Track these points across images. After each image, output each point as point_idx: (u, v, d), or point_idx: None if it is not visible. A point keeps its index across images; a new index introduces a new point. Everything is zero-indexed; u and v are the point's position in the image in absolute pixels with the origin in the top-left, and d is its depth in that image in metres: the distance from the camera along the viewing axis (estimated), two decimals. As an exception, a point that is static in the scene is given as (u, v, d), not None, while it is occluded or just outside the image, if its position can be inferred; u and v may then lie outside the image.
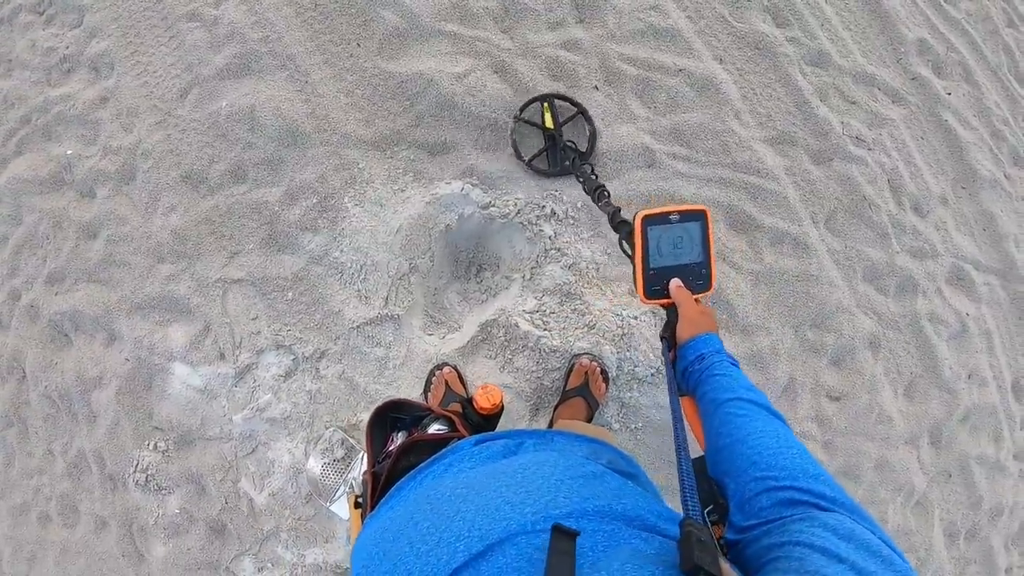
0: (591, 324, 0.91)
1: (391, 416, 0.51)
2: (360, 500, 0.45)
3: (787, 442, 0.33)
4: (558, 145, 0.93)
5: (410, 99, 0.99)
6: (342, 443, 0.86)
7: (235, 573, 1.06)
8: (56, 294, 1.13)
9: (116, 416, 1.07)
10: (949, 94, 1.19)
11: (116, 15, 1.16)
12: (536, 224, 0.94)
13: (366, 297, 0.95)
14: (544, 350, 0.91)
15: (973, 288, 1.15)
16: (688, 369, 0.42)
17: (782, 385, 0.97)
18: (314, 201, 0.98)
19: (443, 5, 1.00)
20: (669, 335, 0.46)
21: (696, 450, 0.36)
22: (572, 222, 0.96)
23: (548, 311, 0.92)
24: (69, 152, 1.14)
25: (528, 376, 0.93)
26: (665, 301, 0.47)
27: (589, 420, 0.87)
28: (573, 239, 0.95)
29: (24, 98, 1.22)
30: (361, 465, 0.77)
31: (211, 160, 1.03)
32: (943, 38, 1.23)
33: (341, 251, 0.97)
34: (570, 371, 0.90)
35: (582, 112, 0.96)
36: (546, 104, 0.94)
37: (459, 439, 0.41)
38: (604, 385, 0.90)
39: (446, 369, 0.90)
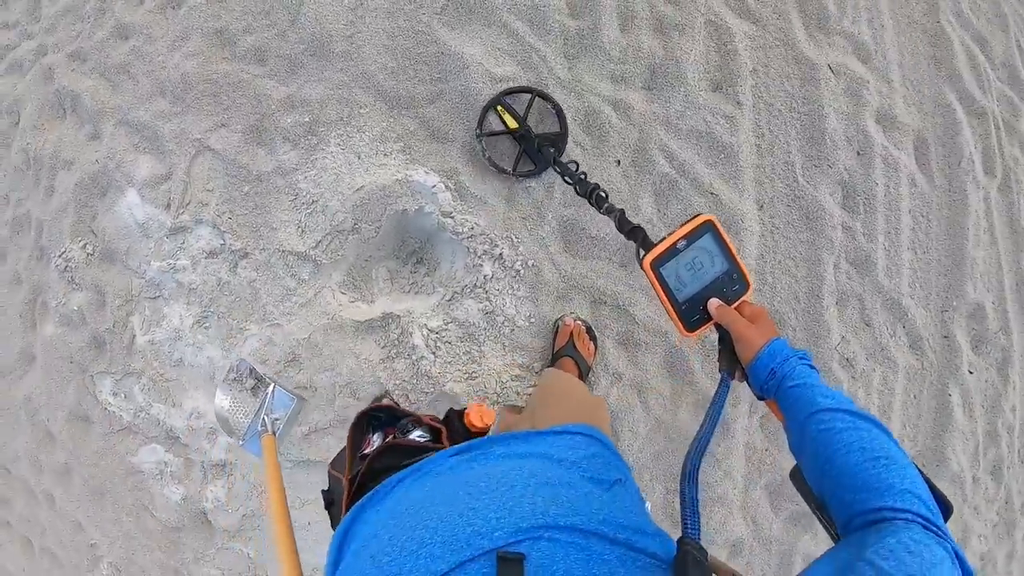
0: (473, 375, 0.95)
1: (371, 416, 0.52)
2: (332, 498, 0.48)
3: (871, 453, 0.32)
4: (532, 141, 0.88)
5: (441, 74, 0.98)
6: (251, 373, 0.86)
7: (95, 384, 1.21)
8: (72, 71, 1.23)
9: (67, 202, 1.19)
10: (971, 372, 1.10)
11: None
12: (479, 257, 0.95)
13: (303, 231, 1.01)
14: (421, 371, 0.95)
15: None
16: (763, 387, 0.42)
17: None
18: (306, 119, 1.01)
19: (524, 0, 0.97)
20: (727, 363, 0.44)
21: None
22: (514, 274, 0.97)
23: (445, 339, 0.95)
24: (142, -52, 1.19)
25: (400, 383, 0.99)
26: (711, 324, 0.46)
27: (581, 379, 0.86)
28: (505, 289, 0.96)
29: None
30: (272, 399, 0.77)
31: (246, 29, 1.06)
32: (1003, 318, 1.12)
33: (304, 178, 1.01)
34: (555, 333, 0.91)
35: (536, 93, 0.88)
36: (499, 107, 0.89)
37: (438, 450, 0.42)
38: (592, 344, 0.91)
39: (385, 402, 0.86)
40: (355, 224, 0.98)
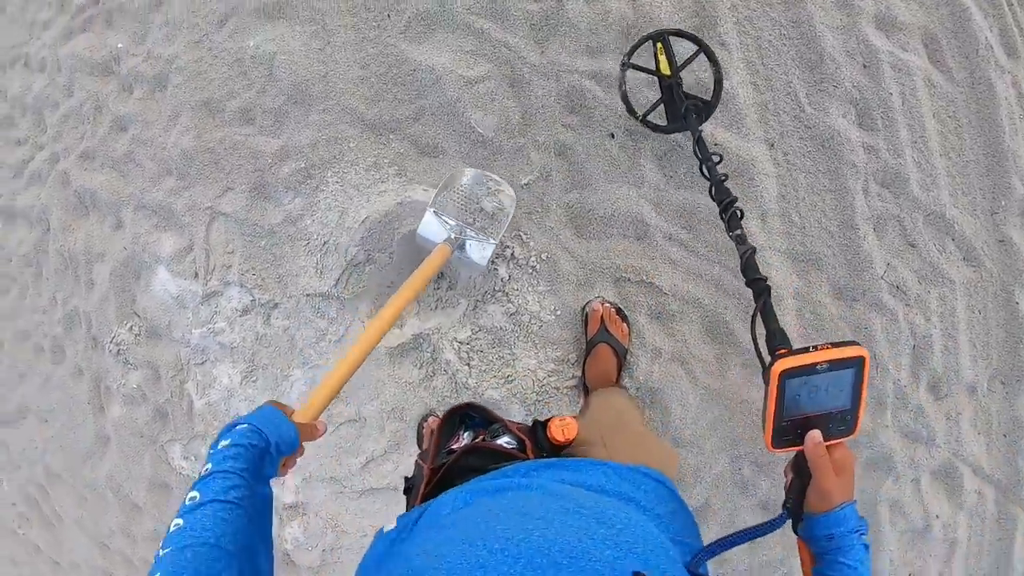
0: (510, 378, 0.96)
1: (463, 415, 0.54)
2: (411, 484, 0.50)
3: None
4: (677, 95, 0.81)
5: (417, 90, 1.00)
6: (502, 221, 0.81)
7: (166, 451, 1.31)
8: (85, 170, 1.34)
9: (107, 291, 1.30)
10: None
11: (188, -85, 1.23)
12: (493, 262, 0.97)
13: (321, 272, 1.06)
14: (459, 384, 0.98)
15: (959, 492, 1.05)
16: (813, 540, 0.41)
17: (693, 506, 0.98)
18: (302, 165, 1.06)
19: None
20: (793, 501, 0.42)
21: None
22: (531, 271, 0.98)
23: (476, 348, 0.98)
24: (120, 45, 1.28)
25: (441, 399, 1.02)
26: (798, 449, 0.43)
27: (620, 368, 0.87)
28: (525, 288, 0.98)
29: (99, -24, 1.36)
30: (482, 245, 0.77)
31: (229, 94, 1.13)
32: None
33: (312, 220, 1.06)
34: (586, 321, 0.92)
35: (704, 51, 0.81)
36: (660, 44, 0.81)
37: (523, 459, 0.43)
38: (625, 325, 0.90)
39: (431, 420, 0.95)
40: (368, 255, 1.02)
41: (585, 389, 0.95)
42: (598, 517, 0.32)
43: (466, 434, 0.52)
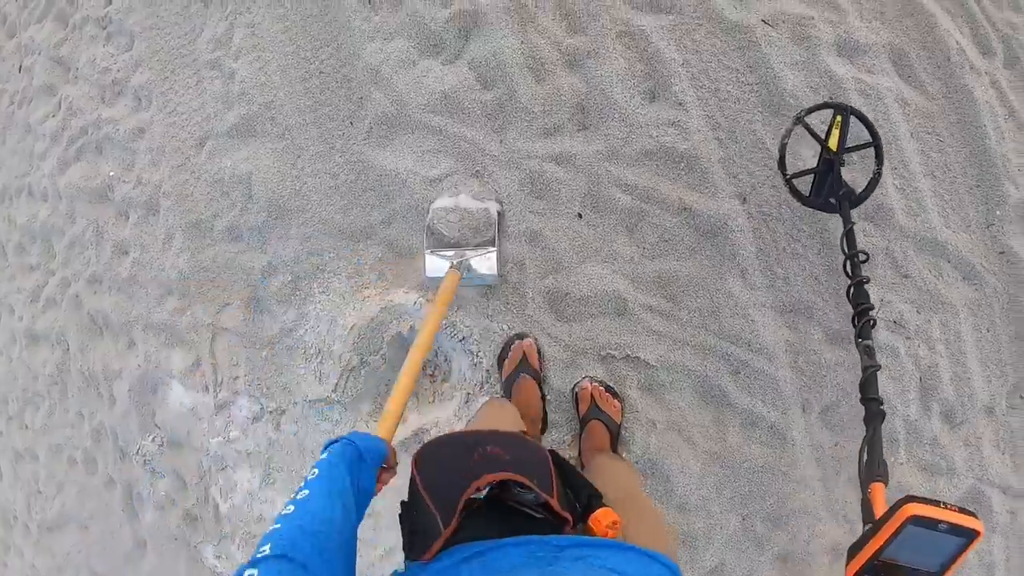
0: (512, 462, 1.00)
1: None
2: (416, 528, 0.45)
3: None
4: (835, 174, 0.80)
5: (386, 195, 1.05)
6: (490, 225, 0.86)
7: (200, 552, 1.40)
8: (94, 293, 1.44)
9: (128, 406, 1.39)
10: None
11: (157, 48, 1.32)
12: (478, 356, 1.01)
13: (320, 378, 1.12)
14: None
15: (989, 515, 1.02)
16: None
17: (707, 568, 0.99)
18: (289, 279, 1.12)
19: (434, 95, 1.01)
20: None
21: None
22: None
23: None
24: (111, 173, 1.38)
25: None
26: None
27: (614, 443, 0.89)
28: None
29: (83, 110, 1.47)
30: (482, 257, 0.84)
31: (215, 214, 1.21)
32: None
33: (306, 330, 1.12)
34: (576, 401, 0.95)
35: (877, 147, 0.81)
36: (839, 117, 0.81)
37: (551, 530, 0.42)
38: (617, 401, 0.92)
39: (527, 341, 0.93)
40: (361, 358, 1.08)
41: (580, 466, 0.97)
42: None
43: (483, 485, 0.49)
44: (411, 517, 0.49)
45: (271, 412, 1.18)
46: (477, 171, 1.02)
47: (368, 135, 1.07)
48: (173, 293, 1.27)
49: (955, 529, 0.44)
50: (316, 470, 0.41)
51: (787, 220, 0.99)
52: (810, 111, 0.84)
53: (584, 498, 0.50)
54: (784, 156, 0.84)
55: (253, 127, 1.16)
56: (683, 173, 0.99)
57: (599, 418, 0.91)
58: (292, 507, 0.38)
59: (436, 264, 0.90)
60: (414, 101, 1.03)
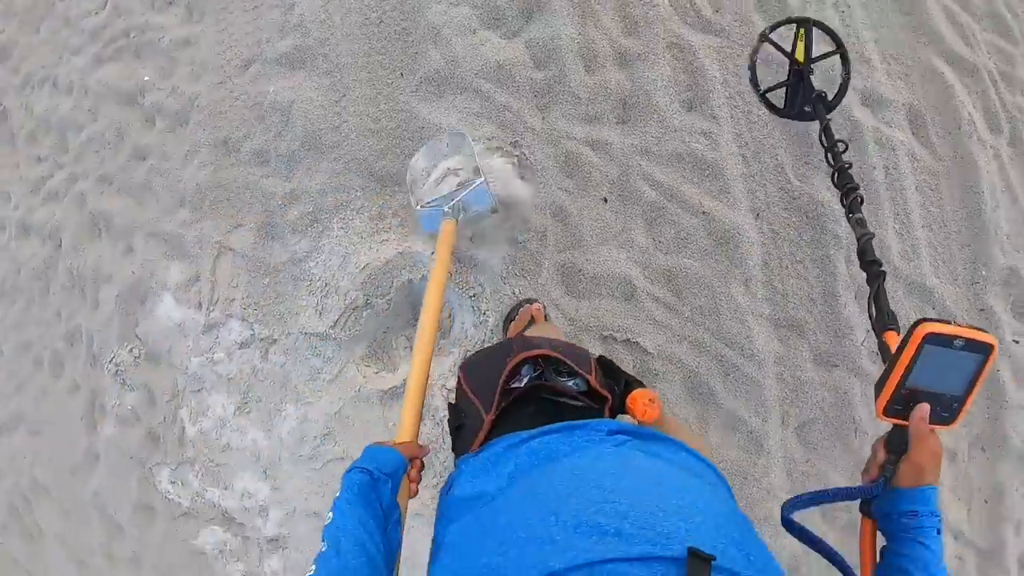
0: (497, 424, 1.01)
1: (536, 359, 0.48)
2: (463, 421, 0.46)
3: None
4: (806, 83, 0.84)
5: (425, 148, 1.09)
6: (469, 155, 0.81)
7: (154, 475, 1.35)
8: (101, 193, 1.42)
9: (112, 312, 1.36)
10: (1016, 342, 1.07)
11: (221, -33, 1.34)
12: (484, 314, 1.03)
13: (321, 312, 1.12)
14: (445, 429, 1.02)
15: None
16: (894, 517, 0.41)
17: None
18: (309, 209, 1.13)
19: (488, 63, 1.05)
20: (891, 467, 0.43)
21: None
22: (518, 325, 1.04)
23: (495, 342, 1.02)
24: (146, 78, 1.38)
25: (427, 442, 1.07)
26: (900, 422, 0.45)
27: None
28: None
29: (131, 12, 1.47)
30: (472, 192, 0.77)
31: (246, 136, 1.21)
32: None
33: (315, 263, 1.12)
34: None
35: (842, 54, 0.85)
36: (802, 30, 0.85)
37: (593, 415, 0.41)
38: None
39: (535, 305, 0.92)
40: (367, 300, 1.08)
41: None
42: (676, 491, 0.33)
43: (525, 369, 0.48)
44: (457, 415, 0.50)
45: (261, 340, 1.16)
46: (515, 141, 1.05)
47: (417, 88, 1.10)
48: (186, 205, 1.26)
49: (971, 345, 0.42)
50: (331, 515, 0.40)
51: (793, 242, 1.05)
52: (774, 28, 0.88)
53: (622, 383, 0.51)
54: (756, 74, 0.88)
55: (303, 59, 1.17)
56: (707, 180, 1.04)
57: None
58: (314, 567, 0.36)
59: (430, 218, 0.84)
60: (468, 65, 1.06)
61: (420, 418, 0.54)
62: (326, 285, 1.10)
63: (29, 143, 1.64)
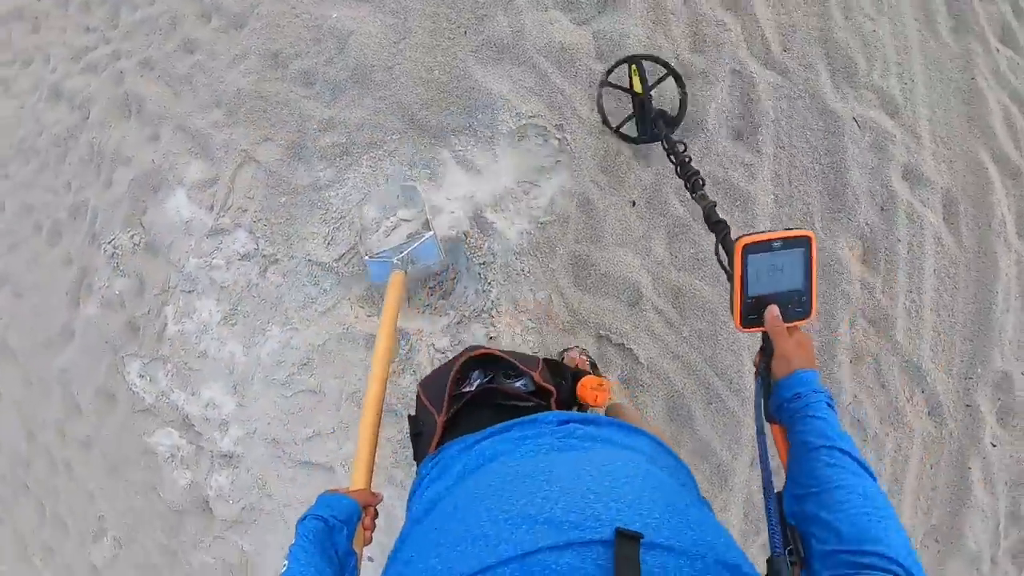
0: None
1: (479, 359, 0.52)
2: (421, 429, 0.49)
3: (873, 503, 0.35)
4: (647, 110, 0.92)
5: (470, 108, 1.07)
6: (420, 209, 0.85)
7: (125, 365, 1.34)
8: (141, 76, 1.40)
9: (122, 195, 1.34)
10: (994, 445, 1.07)
11: None
12: (488, 283, 1.03)
13: (329, 243, 1.11)
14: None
15: None
16: (783, 406, 0.43)
17: None
18: (343, 140, 1.12)
19: (552, 43, 1.04)
20: (763, 368, 0.47)
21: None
22: (522, 305, 1.04)
23: (448, 359, 1.02)
24: (214, -25, 1.36)
25: (402, 397, 1.06)
26: (761, 329, 0.48)
27: None
28: (512, 318, 1.03)
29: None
30: (421, 245, 0.79)
31: (297, 54, 1.20)
32: None
33: (335, 194, 1.12)
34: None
35: (673, 74, 0.93)
36: (634, 66, 0.93)
37: (540, 409, 0.43)
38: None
39: (576, 354, 0.93)
40: (378, 241, 1.08)
41: None
42: (608, 472, 0.33)
43: (475, 374, 0.51)
44: (416, 424, 0.52)
45: (264, 256, 1.16)
46: (560, 124, 1.05)
47: (477, 49, 1.09)
48: (221, 107, 1.25)
49: (788, 242, 0.47)
50: (287, 563, 0.40)
51: (805, 291, 1.05)
52: (609, 72, 0.95)
53: (570, 377, 0.53)
54: (604, 114, 0.95)
55: (373, -7, 1.16)
56: (736, 210, 1.04)
57: None
58: None
59: (380, 270, 0.85)
60: (532, 40, 1.06)
61: (373, 466, 0.54)
62: (341, 218, 1.10)
63: (81, 11, 1.62)
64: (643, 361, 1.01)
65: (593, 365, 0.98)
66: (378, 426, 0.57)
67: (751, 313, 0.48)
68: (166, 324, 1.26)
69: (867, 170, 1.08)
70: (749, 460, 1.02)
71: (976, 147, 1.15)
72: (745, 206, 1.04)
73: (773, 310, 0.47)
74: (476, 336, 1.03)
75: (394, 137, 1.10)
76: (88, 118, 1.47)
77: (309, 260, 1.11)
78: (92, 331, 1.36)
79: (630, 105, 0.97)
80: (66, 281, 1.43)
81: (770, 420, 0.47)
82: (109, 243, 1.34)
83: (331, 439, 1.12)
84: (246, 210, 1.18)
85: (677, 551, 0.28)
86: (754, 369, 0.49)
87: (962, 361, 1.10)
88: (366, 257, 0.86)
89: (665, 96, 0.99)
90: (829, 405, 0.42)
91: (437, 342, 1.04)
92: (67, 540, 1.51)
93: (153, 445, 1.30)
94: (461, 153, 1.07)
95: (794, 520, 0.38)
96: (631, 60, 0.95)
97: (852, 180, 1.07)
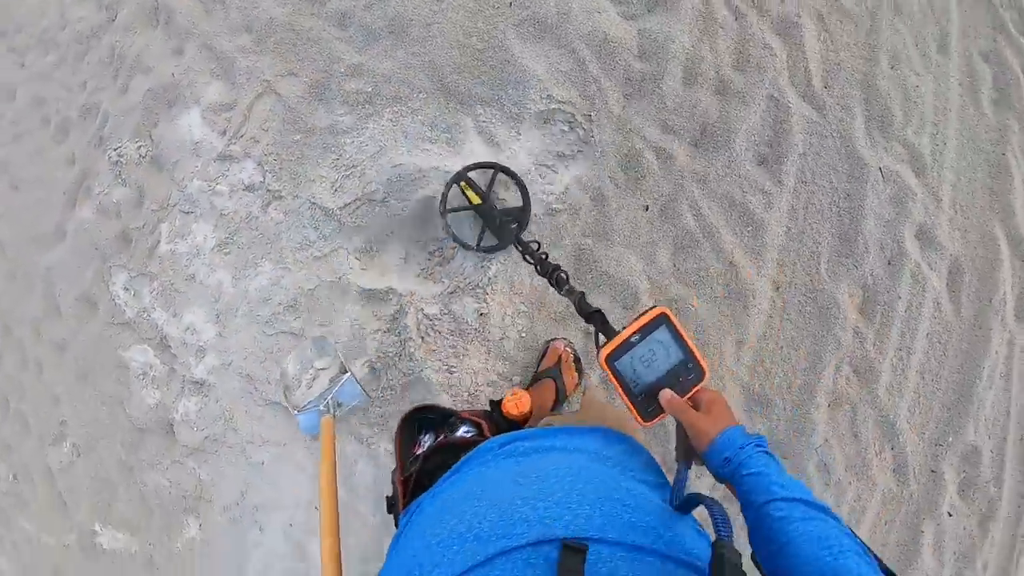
0: (452, 368, 0.99)
1: (418, 418, 0.54)
2: (392, 501, 0.50)
3: (826, 543, 0.34)
4: (494, 215, 0.91)
5: (502, 80, 1.04)
6: (334, 355, 0.90)
7: (112, 275, 1.32)
8: (174, -12, 1.36)
9: (136, 103, 1.31)
10: (950, 515, 1.08)
11: None
12: (488, 260, 1.01)
13: (336, 190, 1.09)
14: (406, 351, 1.01)
15: None
16: (718, 474, 0.42)
17: None
18: (368, 89, 1.09)
19: (596, 32, 1.02)
20: (683, 454, 0.45)
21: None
22: (517, 287, 1.03)
23: (436, 328, 1.01)
24: None
25: (383, 356, 1.05)
26: (664, 416, 0.47)
27: (556, 408, 0.90)
28: (505, 298, 1.02)
29: None
30: (342, 387, 0.84)
31: (339, -7, 1.17)
32: (999, 469, 1.10)
33: (351, 141, 1.09)
34: (544, 353, 0.96)
35: (499, 169, 0.92)
36: (463, 183, 0.93)
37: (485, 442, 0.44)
38: (576, 375, 0.93)
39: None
40: (385, 197, 1.06)
41: None
42: (540, 477, 0.33)
43: (427, 437, 0.53)
44: (390, 503, 0.53)
45: (269, 191, 1.13)
46: (589, 115, 1.03)
47: (519, 24, 1.06)
48: (252, 33, 1.21)
49: (645, 329, 0.46)
50: None
51: (798, 327, 1.05)
52: (443, 202, 0.94)
53: (496, 404, 0.55)
54: (461, 241, 0.93)
55: (426, -53, 1.13)
56: (746, 235, 1.04)
57: (555, 378, 0.92)
58: None
59: (309, 421, 0.87)
60: (577, 26, 1.03)
61: None
62: (353, 166, 1.08)
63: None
64: (625, 365, 1.01)
65: (576, 359, 0.97)
66: (337, 550, 0.55)
67: (648, 406, 0.47)
68: (159, 241, 1.24)
69: (882, 222, 1.08)
70: (710, 489, 1.03)
71: (993, 222, 1.14)
72: (756, 233, 1.03)
73: (666, 394, 0.46)
74: (467, 309, 1.02)
75: (420, 95, 1.08)
76: (114, 20, 1.43)
77: (313, 203, 1.09)
78: (84, 235, 1.34)
79: (478, 219, 0.95)
80: (66, 181, 1.40)
81: (721, 482, 0.45)
82: (115, 150, 1.31)
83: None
84: (258, 141, 1.16)
85: (610, 541, 0.27)
86: (676, 460, 0.46)
87: (936, 427, 1.10)
88: (295, 412, 0.88)
89: (505, 193, 0.97)
90: (765, 452, 0.41)
91: (427, 308, 1.03)
92: (27, 439, 1.50)
93: (127, 360, 1.29)
94: (484, 124, 1.05)
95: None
96: (455, 180, 0.94)
97: (866, 228, 1.06)
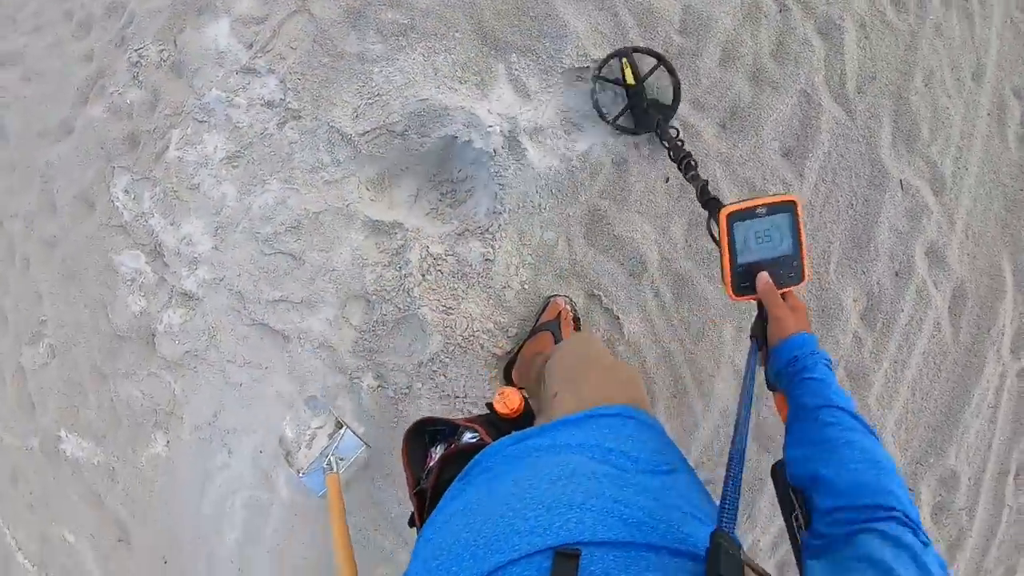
0: (449, 310, 0.98)
1: (428, 431, 0.54)
2: (412, 517, 0.50)
3: (872, 456, 0.34)
4: (642, 101, 0.93)
5: (541, 32, 1.02)
6: (327, 413, 0.91)
7: (114, 175, 1.29)
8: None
9: (164, 6, 1.25)
10: (925, 544, 1.09)
11: None
12: (503, 204, 1.00)
13: (357, 116, 1.07)
14: (404, 287, 0.99)
15: None
16: (781, 371, 0.42)
17: None
18: (405, 21, 1.07)
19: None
20: (760, 334, 0.46)
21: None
22: (526, 240, 1.01)
23: (439, 267, 0.99)
24: None
25: (379, 290, 1.03)
26: (754, 297, 0.47)
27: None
28: (512, 247, 1.00)
29: None
30: (341, 442, 0.84)
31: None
32: (974, 499, 1.10)
33: (379, 71, 1.07)
34: (543, 308, 0.95)
35: (664, 64, 0.93)
36: (625, 59, 0.93)
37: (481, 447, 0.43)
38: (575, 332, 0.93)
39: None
40: (405, 130, 1.04)
41: (506, 378, 0.96)
42: (530, 486, 0.32)
43: (436, 449, 0.53)
44: (411, 519, 0.52)
45: (288, 109, 1.11)
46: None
47: (568, -22, 1.05)
48: (294, -50, 1.19)
49: (773, 207, 0.47)
50: None
51: (797, 323, 1.04)
52: (601, 66, 0.96)
53: (487, 407, 0.54)
54: (600, 108, 0.95)
55: None
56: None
57: (552, 332, 0.91)
58: None
59: (315, 481, 0.88)
60: (628, -15, 1.02)
61: None
62: (378, 95, 1.05)
63: None
64: (625, 333, 1.00)
65: (576, 318, 0.96)
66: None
67: (743, 281, 0.47)
68: (168, 147, 1.21)
69: (896, 233, 1.08)
70: (695, 460, 1.02)
71: (1001, 254, 1.15)
72: (771, 222, 1.03)
73: (764, 276, 0.46)
74: (472, 253, 1.00)
75: (456, 35, 1.06)
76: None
77: (332, 127, 1.07)
78: (91, 133, 1.31)
79: (625, 97, 0.96)
80: (80, 77, 1.36)
81: (771, 388, 0.45)
82: (136, 51, 1.28)
83: (295, 310, 1.09)
84: (284, 59, 1.13)
85: (602, 542, 0.27)
86: (750, 337, 0.48)
87: (919, 445, 1.10)
88: (299, 475, 0.88)
89: (659, 86, 0.97)
90: (827, 365, 0.41)
91: (433, 246, 1.01)
92: (4, 336, 1.46)
93: (117, 264, 1.26)
94: (516, 73, 1.03)
95: (796, 483, 0.37)
96: (621, 53, 0.94)
97: (878, 236, 1.06)
